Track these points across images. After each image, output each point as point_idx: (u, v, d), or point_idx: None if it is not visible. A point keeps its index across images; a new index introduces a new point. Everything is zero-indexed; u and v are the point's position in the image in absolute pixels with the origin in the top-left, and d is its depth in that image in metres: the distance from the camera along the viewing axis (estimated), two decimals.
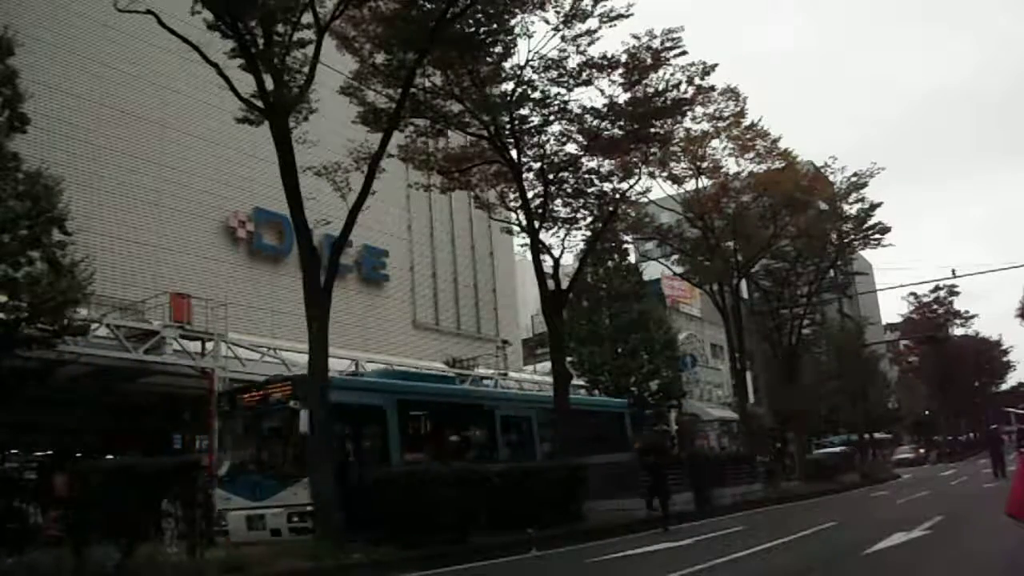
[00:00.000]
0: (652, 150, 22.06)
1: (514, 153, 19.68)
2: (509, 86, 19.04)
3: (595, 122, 19.76)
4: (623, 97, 19.66)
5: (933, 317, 63.14)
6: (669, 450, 19.38)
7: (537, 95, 19.09)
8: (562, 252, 21.78)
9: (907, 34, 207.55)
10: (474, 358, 34.55)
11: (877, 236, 32.00)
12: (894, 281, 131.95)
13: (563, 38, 18.13)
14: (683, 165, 27.32)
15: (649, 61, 19.17)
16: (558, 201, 21.43)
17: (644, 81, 19.50)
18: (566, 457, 16.72)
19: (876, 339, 62.64)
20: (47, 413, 19.20)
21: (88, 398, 19.89)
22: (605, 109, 19.55)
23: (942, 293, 62.32)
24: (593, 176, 21.19)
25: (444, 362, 32.59)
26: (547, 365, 26.94)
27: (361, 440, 15.23)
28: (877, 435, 52.98)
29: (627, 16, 17.55)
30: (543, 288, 20.02)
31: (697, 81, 20.33)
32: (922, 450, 62.78)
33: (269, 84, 13.20)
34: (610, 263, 29.93)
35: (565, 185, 21.08)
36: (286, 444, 13.80)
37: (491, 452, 17.67)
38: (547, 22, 17.81)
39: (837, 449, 39.14)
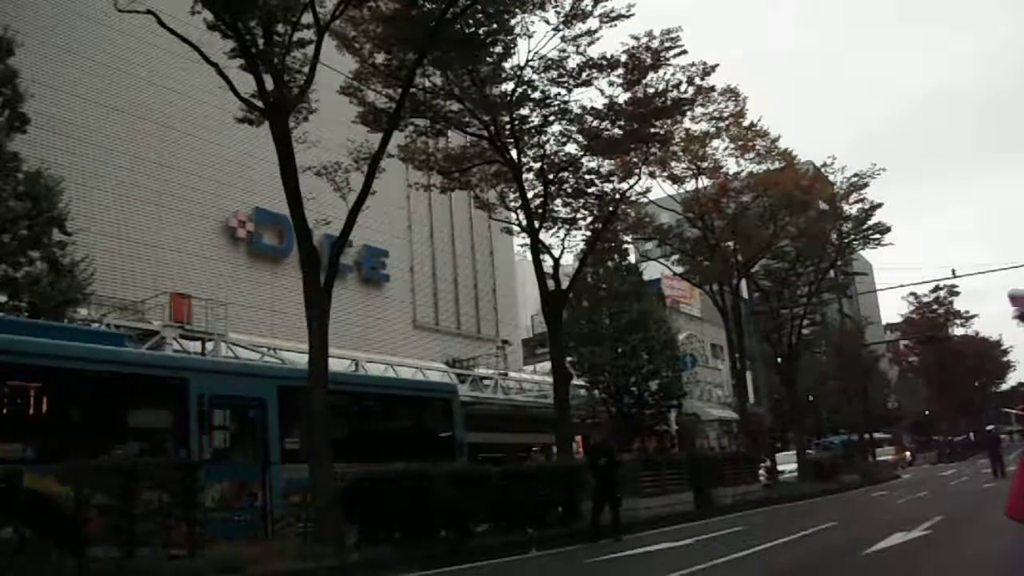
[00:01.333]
0: (652, 150, 22.05)
1: (514, 153, 19.67)
2: (509, 86, 19.02)
3: (595, 122, 19.74)
4: (623, 97, 19.67)
5: (933, 317, 63.01)
6: (619, 452, 18.10)
7: (537, 95, 19.07)
8: (562, 252, 21.77)
9: (907, 34, 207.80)
10: (474, 358, 34.63)
11: (877, 236, 32.08)
12: (894, 281, 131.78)
13: (563, 38, 18.12)
14: (683, 165, 27.32)
15: (649, 61, 19.14)
16: (558, 201, 21.42)
17: (644, 81, 19.48)
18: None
19: (876, 339, 62.65)
20: None
21: None
22: (605, 109, 19.53)
23: (942, 293, 62.21)
24: (593, 176, 21.17)
25: (444, 362, 32.64)
26: (547, 365, 26.93)
27: None
28: (877, 435, 52.76)
29: (627, 16, 17.55)
30: (543, 288, 20.01)
31: (697, 81, 20.32)
32: (907, 452, 59.38)
33: (269, 84, 13.21)
34: (610, 263, 29.89)
35: (565, 185, 21.06)
36: None
37: (177, 450, 12.15)
38: (547, 22, 17.80)
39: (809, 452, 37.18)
